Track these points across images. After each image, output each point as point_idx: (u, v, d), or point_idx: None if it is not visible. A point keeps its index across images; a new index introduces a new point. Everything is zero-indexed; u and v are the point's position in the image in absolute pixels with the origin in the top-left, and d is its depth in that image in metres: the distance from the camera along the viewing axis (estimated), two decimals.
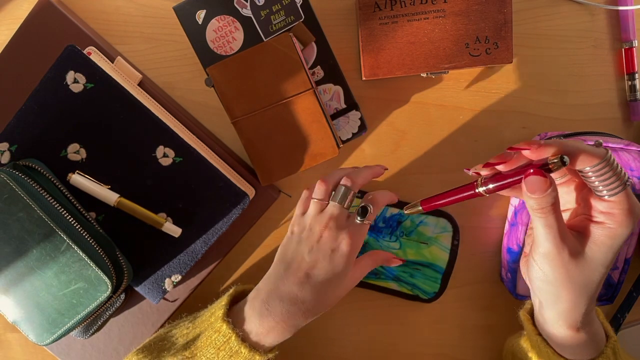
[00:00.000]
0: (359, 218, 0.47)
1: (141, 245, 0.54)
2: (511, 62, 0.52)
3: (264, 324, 0.45)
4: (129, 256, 0.53)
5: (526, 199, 0.39)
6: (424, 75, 0.54)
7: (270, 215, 0.58)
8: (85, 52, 0.51)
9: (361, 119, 0.56)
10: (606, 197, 0.38)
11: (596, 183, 0.38)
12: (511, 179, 0.39)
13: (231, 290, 0.50)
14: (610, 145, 0.50)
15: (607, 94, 0.57)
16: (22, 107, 0.51)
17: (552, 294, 0.41)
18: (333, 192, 0.48)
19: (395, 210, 0.57)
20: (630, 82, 0.56)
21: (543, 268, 0.40)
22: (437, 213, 0.57)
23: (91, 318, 0.52)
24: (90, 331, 0.55)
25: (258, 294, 0.47)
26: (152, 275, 0.54)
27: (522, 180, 0.38)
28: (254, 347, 0.45)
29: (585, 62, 0.57)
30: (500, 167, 0.41)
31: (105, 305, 0.53)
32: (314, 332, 0.60)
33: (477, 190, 0.41)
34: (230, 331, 0.45)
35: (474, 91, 0.57)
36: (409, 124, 0.57)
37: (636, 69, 0.56)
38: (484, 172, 0.42)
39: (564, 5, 0.56)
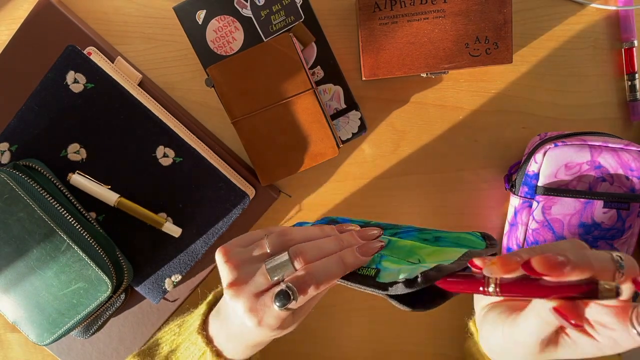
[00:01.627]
0: (276, 304, 0.36)
1: (141, 245, 0.54)
2: (511, 62, 0.52)
3: (233, 341, 0.43)
4: (129, 256, 0.53)
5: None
6: (423, 75, 0.54)
7: (270, 215, 0.58)
8: (85, 52, 0.51)
9: (361, 119, 0.56)
10: (635, 333, 0.31)
11: (610, 290, 0.29)
12: (533, 296, 0.31)
13: (210, 297, 0.47)
14: (610, 145, 0.51)
15: (607, 94, 0.57)
16: (22, 107, 0.51)
17: (505, 352, 0.38)
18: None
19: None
20: (630, 82, 0.56)
21: (508, 344, 0.37)
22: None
23: (91, 318, 0.52)
24: (91, 331, 0.55)
25: (218, 311, 0.44)
26: (152, 275, 0.55)
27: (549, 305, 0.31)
28: None
29: (585, 62, 0.57)
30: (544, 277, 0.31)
31: (105, 305, 0.53)
32: (314, 332, 0.60)
33: (485, 289, 0.32)
34: (204, 345, 0.43)
35: (474, 91, 0.57)
36: (409, 124, 0.57)
37: (636, 69, 0.56)
38: (503, 274, 0.32)
39: (564, 5, 0.56)
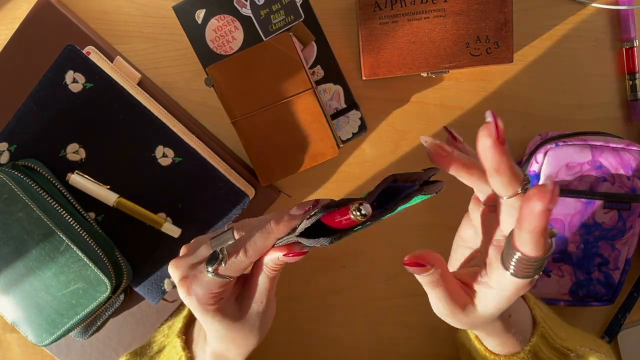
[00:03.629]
0: (207, 268, 0.36)
1: (141, 246, 0.54)
2: (512, 62, 0.52)
3: (204, 351, 0.43)
4: (129, 256, 0.53)
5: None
6: (424, 75, 0.53)
7: None
8: (84, 51, 0.51)
9: (361, 118, 0.56)
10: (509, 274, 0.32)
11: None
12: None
13: None
14: (610, 145, 0.50)
15: (608, 93, 0.57)
16: (21, 107, 0.51)
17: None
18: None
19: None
20: (630, 82, 0.56)
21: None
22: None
23: (90, 318, 0.51)
24: (90, 332, 0.55)
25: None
26: (152, 275, 0.54)
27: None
28: None
29: (586, 62, 0.57)
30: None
31: (104, 306, 0.53)
32: (314, 332, 0.60)
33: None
34: (181, 350, 0.43)
35: (475, 91, 0.57)
36: (409, 124, 0.57)
37: (637, 69, 0.55)
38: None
39: (564, 5, 0.56)
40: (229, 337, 0.40)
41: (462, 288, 0.36)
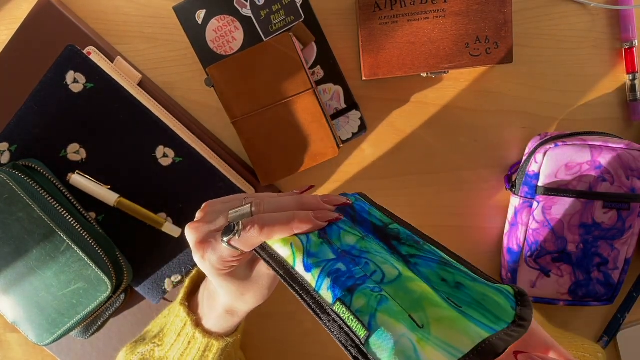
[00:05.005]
0: (222, 238, 0.37)
1: (141, 246, 0.54)
2: (511, 62, 0.52)
3: (212, 308, 0.44)
4: (129, 256, 0.53)
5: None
6: (424, 75, 0.54)
7: None
8: (85, 52, 0.51)
9: (361, 119, 0.56)
10: None
11: None
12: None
13: (193, 272, 0.49)
14: (610, 145, 0.50)
15: (607, 94, 0.57)
16: (22, 107, 0.51)
17: None
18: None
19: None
20: (630, 82, 0.56)
21: None
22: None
23: (91, 318, 0.52)
24: (90, 331, 0.55)
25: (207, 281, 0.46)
26: (152, 275, 0.54)
27: None
28: (208, 332, 0.44)
29: (586, 62, 0.57)
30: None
31: (105, 305, 0.53)
32: (314, 331, 0.60)
33: None
34: (185, 315, 0.44)
35: (474, 91, 0.57)
36: (409, 123, 0.57)
37: (636, 69, 0.56)
38: None
39: (564, 5, 0.56)
40: (239, 293, 0.41)
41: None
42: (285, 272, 0.35)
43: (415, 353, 0.29)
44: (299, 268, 0.35)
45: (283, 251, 0.36)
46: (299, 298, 0.34)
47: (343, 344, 0.31)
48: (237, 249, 0.37)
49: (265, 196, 0.40)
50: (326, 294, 0.33)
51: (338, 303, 0.32)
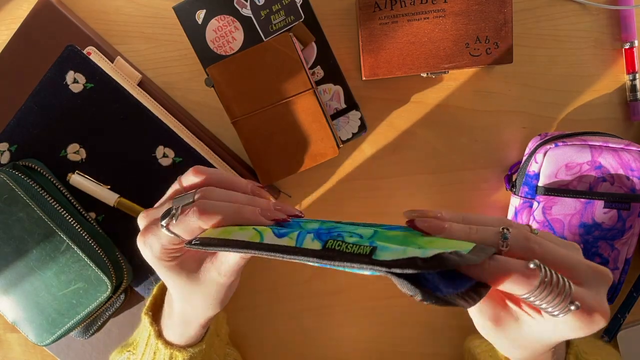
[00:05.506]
0: (161, 221, 0.35)
1: None
2: (511, 62, 0.52)
3: (170, 316, 0.43)
4: (129, 256, 0.53)
5: None
6: (424, 75, 0.54)
7: None
8: (85, 52, 0.51)
9: (361, 119, 0.56)
10: (558, 316, 0.30)
11: (537, 303, 0.30)
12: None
13: (161, 281, 0.47)
14: (610, 145, 0.50)
15: (607, 94, 0.57)
16: (21, 107, 0.51)
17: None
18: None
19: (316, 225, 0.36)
20: (630, 82, 0.56)
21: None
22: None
23: (91, 318, 0.52)
24: (90, 331, 0.55)
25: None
26: (152, 275, 0.54)
27: None
28: (169, 343, 0.43)
29: (586, 62, 0.57)
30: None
31: (105, 306, 0.53)
32: (314, 332, 0.60)
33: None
34: (149, 325, 0.44)
35: (474, 91, 0.57)
36: (409, 124, 0.57)
37: (636, 69, 0.55)
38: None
39: (564, 5, 0.56)
40: (185, 295, 0.40)
41: (501, 299, 0.34)
42: (255, 246, 0.32)
43: (423, 250, 0.29)
44: (270, 239, 0.33)
45: (245, 234, 0.33)
46: (279, 254, 0.31)
47: (352, 262, 0.29)
48: (175, 234, 0.35)
49: (213, 188, 0.37)
50: (312, 244, 0.31)
51: (330, 241, 0.31)
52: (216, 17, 0.53)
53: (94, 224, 0.52)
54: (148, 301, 0.46)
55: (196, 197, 0.36)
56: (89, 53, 0.52)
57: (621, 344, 0.57)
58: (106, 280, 0.48)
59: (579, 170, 0.51)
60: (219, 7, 0.52)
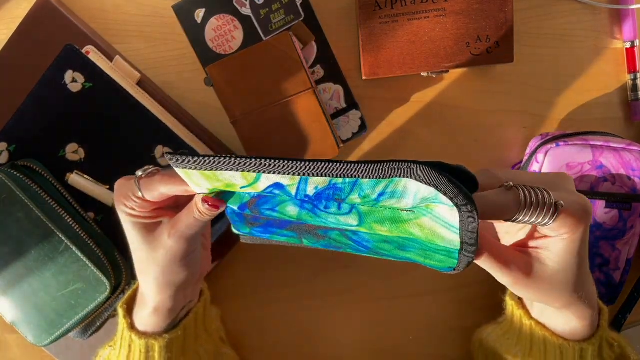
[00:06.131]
0: (137, 173, 0.40)
1: None
2: (512, 62, 0.52)
3: (139, 305, 0.44)
4: (128, 257, 0.53)
5: None
6: (424, 74, 0.53)
7: None
8: (84, 51, 0.51)
9: (361, 118, 0.55)
10: (549, 225, 0.33)
11: (526, 220, 0.32)
12: None
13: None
14: (611, 145, 0.50)
15: (608, 93, 0.57)
16: (20, 107, 0.51)
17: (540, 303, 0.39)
18: None
19: (324, 181, 0.31)
20: (631, 82, 0.56)
21: (518, 294, 0.38)
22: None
23: (90, 319, 0.51)
24: (89, 332, 0.55)
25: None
26: None
27: None
28: (142, 333, 0.43)
29: (586, 62, 0.57)
30: None
31: (104, 306, 0.53)
32: (314, 332, 0.60)
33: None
34: (122, 318, 0.44)
35: (475, 91, 0.57)
36: (410, 123, 0.57)
37: (637, 69, 0.55)
38: None
39: (565, 5, 0.56)
40: (142, 267, 0.41)
41: (517, 251, 0.36)
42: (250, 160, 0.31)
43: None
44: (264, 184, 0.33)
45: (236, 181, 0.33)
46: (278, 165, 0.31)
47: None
48: (137, 187, 0.39)
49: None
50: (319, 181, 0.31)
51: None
52: (216, 16, 0.52)
53: (93, 224, 0.52)
54: (125, 295, 0.46)
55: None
56: (88, 52, 0.52)
57: None
58: (105, 280, 0.48)
59: (580, 170, 0.51)
60: (219, 6, 0.52)
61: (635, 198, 0.51)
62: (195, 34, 0.53)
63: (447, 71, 0.52)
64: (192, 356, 0.46)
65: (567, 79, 0.57)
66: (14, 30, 0.54)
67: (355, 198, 0.31)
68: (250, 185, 0.33)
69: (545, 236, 0.35)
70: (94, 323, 0.54)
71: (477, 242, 0.30)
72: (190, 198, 0.39)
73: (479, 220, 0.29)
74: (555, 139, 0.52)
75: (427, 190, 0.28)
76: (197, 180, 0.35)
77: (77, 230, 0.49)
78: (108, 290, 0.49)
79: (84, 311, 0.49)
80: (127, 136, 0.52)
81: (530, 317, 0.43)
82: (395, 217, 0.31)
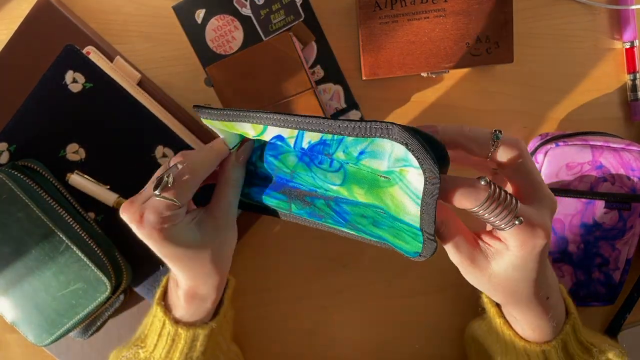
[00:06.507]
0: (155, 191, 0.37)
1: (140, 246, 0.53)
2: (512, 62, 0.52)
3: (179, 298, 0.43)
4: (128, 257, 0.53)
5: None
6: (424, 74, 0.53)
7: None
8: (84, 51, 0.51)
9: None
10: (505, 229, 0.34)
11: (486, 217, 0.34)
12: None
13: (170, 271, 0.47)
14: (611, 145, 0.50)
15: (608, 93, 0.57)
16: (20, 107, 0.51)
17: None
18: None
19: (316, 136, 0.37)
20: (631, 82, 0.56)
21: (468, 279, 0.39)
22: (384, 131, 0.32)
23: (90, 319, 0.51)
24: (90, 332, 0.55)
25: None
26: (152, 275, 0.54)
27: None
28: (189, 324, 0.43)
29: (586, 62, 0.57)
30: None
31: (104, 306, 0.53)
32: (314, 332, 0.60)
33: None
34: (162, 315, 0.44)
35: (475, 91, 0.57)
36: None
37: (637, 69, 0.55)
38: None
39: (564, 5, 0.56)
40: (189, 267, 0.41)
41: (475, 241, 0.37)
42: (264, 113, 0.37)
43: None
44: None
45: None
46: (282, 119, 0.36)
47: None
48: (171, 199, 0.37)
49: (186, 151, 0.41)
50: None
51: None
52: (216, 17, 0.52)
53: (93, 224, 0.52)
54: (158, 292, 0.46)
55: (179, 166, 0.38)
56: (88, 53, 0.52)
57: (621, 344, 0.57)
58: (105, 280, 0.48)
59: (579, 170, 0.51)
60: (219, 7, 0.52)
61: (634, 198, 0.51)
62: (195, 34, 0.53)
63: (447, 71, 0.52)
64: (215, 343, 0.46)
65: (567, 79, 0.57)
66: (14, 31, 0.54)
67: (340, 154, 0.36)
68: (258, 135, 0.40)
69: (499, 239, 0.36)
70: (95, 323, 0.54)
71: (434, 215, 0.32)
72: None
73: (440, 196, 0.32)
74: (555, 139, 0.52)
75: (399, 150, 0.32)
76: (223, 128, 0.40)
77: (78, 230, 0.49)
78: (108, 290, 0.49)
79: (85, 311, 0.49)
80: (128, 136, 0.52)
81: (501, 316, 0.44)
82: (373, 181, 0.36)
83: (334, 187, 0.38)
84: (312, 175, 0.39)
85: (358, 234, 0.40)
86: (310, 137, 0.37)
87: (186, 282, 0.42)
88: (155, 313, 0.45)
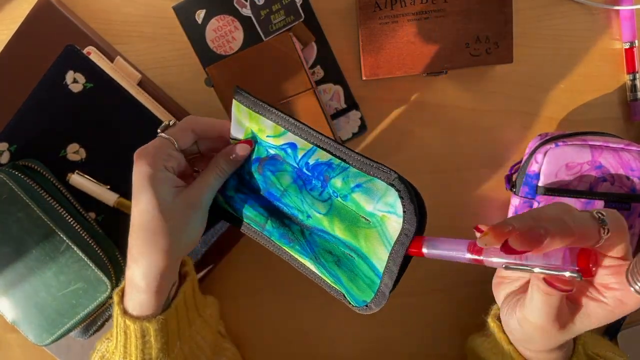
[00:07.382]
0: (159, 131, 0.42)
1: None
2: (512, 62, 0.52)
3: (134, 290, 0.41)
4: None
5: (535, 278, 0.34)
6: (424, 75, 0.53)
7: None
8: (84, 51, 0.51)
9: (361, 118, 0.56)
10: (633, 290, 0.32)
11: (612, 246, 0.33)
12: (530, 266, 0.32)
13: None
14: (610, 145, 0.50)
15: (608, 93, 0.57)
16: (21, 107, 0.51)
17: (527, 338, 0.40)
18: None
19: (326, 157, 0.38)
20: (630, 82, 0.56)
21: (525, 329, 0.38)
22: (385, 176, 0.35)
23: (91, 318, 0.52)
24: (90, 331, 0.55)
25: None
26: None
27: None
28: (136, 317, 0.41)
29: (586, 62, 0.57)
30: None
31: (104, 306, 0.53)
32: (314, 332, 0.60)
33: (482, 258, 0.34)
34: (116, 305, 0.42)
35: (474, 91, 0.57)
36: (409, 123, 0.57)
37: (636, 69, 0.55)
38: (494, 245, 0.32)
39: (564, 5, 0.56)
40: (145, 228, 0.39)
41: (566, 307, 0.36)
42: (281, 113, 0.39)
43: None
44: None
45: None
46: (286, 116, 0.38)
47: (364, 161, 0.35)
48: (168, 138, 0.41)
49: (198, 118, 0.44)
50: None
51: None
52: (216, 17, 0.53)
53: (94, 224, 0.52)
54: (122, 283, 0.44)
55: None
56: (89, 53, 0.52)
57: (621, 344, 0.57)
58: (106, 280, 0.48)
59: (579, 170, 0.51)
60: (219, 7, 0.52)
61: (634, 198, 0.51)
62: (195, 34, 0.53)
63: (446, 71, 0.53)
64: (189, 342, 0.45)
65: (567, 79, 0.57)
66: (15, 31, 0.54)
67: (338, 181, 0.37)
68: (274, 136, 0.39)
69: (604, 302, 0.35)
70: (95, 322, 0.54)
71: (398, 266, 0.34)
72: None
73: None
74: (555, 139, 0.52)
75: (391, 196, 0.34)
76: (242, 118, 0.41)
77: (78, 229, 0.49)
78: (109, 290, 0.49)
79: (85, 310, 0.49)
80: (128, 136, 0.52)
81: (510, 343, 0.43)
82: (354, 220, 0.37)
83: (318, 215, 0.39)
84: (301, 198, 0.40)
85: (317, 269, 0.40)
86: (319, 156, 0.38)
87: (131, 255, 0.40)
88: (114, 303, 0.43)
